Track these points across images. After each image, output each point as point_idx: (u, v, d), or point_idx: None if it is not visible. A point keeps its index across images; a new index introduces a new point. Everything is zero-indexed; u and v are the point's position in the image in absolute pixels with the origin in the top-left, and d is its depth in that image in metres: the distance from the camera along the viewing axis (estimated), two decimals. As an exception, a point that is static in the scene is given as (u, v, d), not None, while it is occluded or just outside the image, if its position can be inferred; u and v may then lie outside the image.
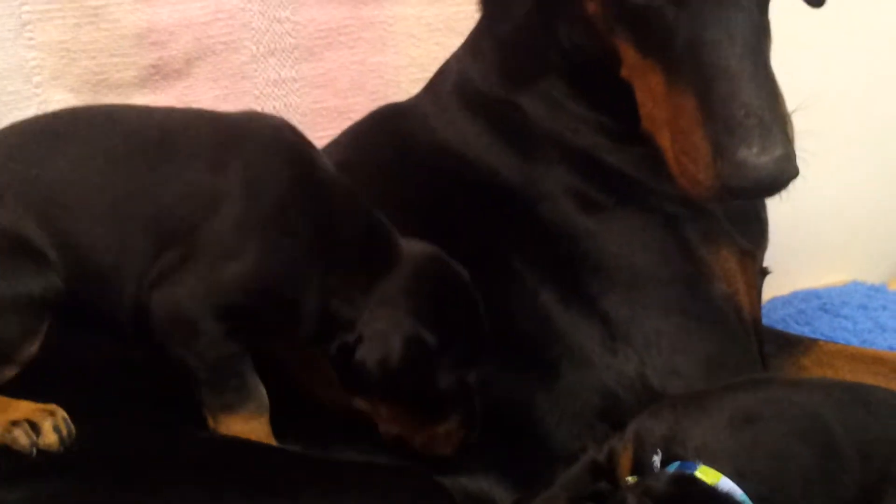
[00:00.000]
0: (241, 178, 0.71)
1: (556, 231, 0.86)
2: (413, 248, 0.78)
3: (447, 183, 0.90)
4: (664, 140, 0.78)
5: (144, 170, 0.71)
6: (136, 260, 0.70)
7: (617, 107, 0.86)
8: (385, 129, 0.96)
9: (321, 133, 1.08)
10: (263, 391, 0.72)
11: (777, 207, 0.99)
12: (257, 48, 1.06)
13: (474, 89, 0.93)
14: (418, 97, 0.97)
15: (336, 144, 0.96)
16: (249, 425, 0.72)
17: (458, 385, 0.77)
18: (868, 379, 0.96)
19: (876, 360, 0.98)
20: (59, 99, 0.96)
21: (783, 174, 0.73)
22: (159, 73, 1.01)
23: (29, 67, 0.95)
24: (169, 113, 0.79)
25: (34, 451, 0.65)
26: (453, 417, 0.78)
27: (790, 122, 0.76)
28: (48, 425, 0.66)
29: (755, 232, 0.94)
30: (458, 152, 0.91)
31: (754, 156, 0.72)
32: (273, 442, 0.73)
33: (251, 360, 0.73)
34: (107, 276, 0.70)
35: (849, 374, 0.97)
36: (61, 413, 0.67)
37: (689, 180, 0.76)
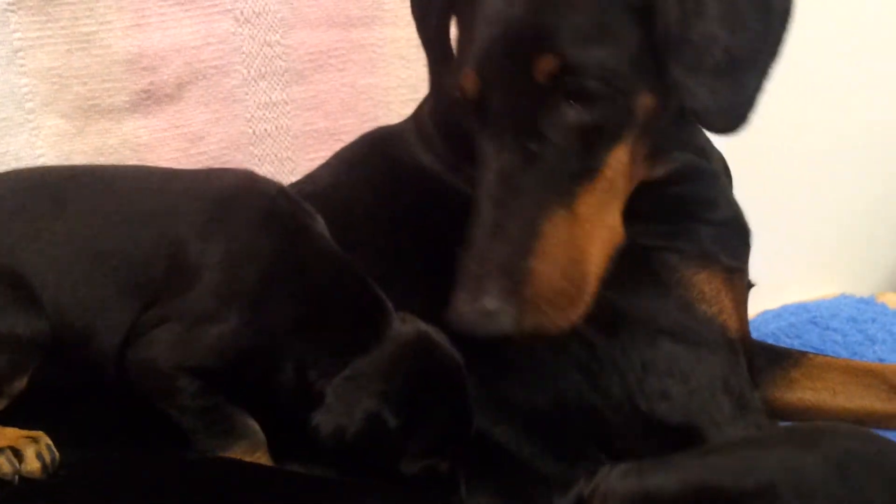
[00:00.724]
0: (224, 249, 0.73)
1: None
2: (404, 328, 0.77)
3: (432, 207, 0.90)
4: None
5: (137, 235, 0.74)
6: (121, 316, 0.73)
7: None
8: (375, 152, 0.96)
9: (312, 155, 1.09)
10: (255, 428, 0.73)
11: (766, 220, 1.00)
12: (248, 72, 1.06)
13: (449, 124, 0.93)
14: (407, 120, 0.98)
15: (327, 167, 0.96)
16: None
17: (427, 472, 0.75)
18: (859, 391, 0.96)
19: (866, 373, 0.98)
20: (50, 125, 0.96)
21: (487, 328, 0.71)
22: (151, 98, 1.01)
23: (21, 94, 0.96)
24: (168, 178, 0.82)
25: (16, 478, 0.65)
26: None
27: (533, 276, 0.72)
28: (31, 452, 0.67)
29: (740, 246, 0.94)
30: (439, 176, 0.90)
31: (462, 302, 0.72)
32: None
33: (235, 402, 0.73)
34: (92, 328, 0.73)
35: (839, 386, 0.98)
36: (45, 440, 0.68)
37: None
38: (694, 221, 0.90)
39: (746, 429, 0.83)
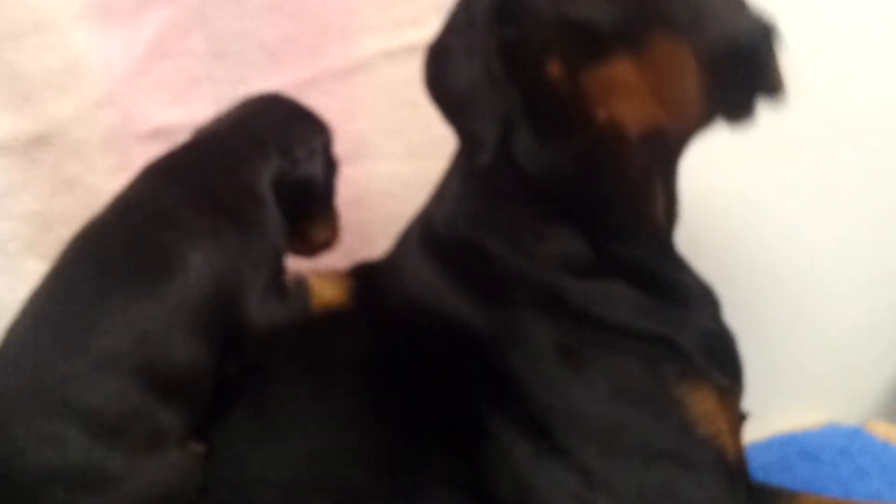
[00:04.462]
0: None
1: (527, 382, 0.85)
2: (258, 100, 0.95)
3: (420, 340, 0.89)
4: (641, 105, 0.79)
5: None
6: None
7: (582, 224, 0.88)
8: (361, 287, 0.96)
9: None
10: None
11: (751, 345, 0.99)
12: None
13: (438, 236, 0.93)
14: (391, 253, 0.98)
15: None
16: None
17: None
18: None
19: (857, 512, 0.97)
20: (32, 267, 0.95)
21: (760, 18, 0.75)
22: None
23: (4, 237, 0.96)
24: None
25: None
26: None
27: None
28: None
29: (731, 368, 0.93)
30: (427, 307, 0.90)
31: (727, 18, 0.74)
32: None
33: None
34: None
35: (832, 526, 0.96)
36: None
37: (678, 102, 0.76)
38: (680, 325, 0.89)
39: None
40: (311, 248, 0.97)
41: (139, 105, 0.99)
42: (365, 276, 0.97)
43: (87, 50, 0.96)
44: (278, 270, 0.87)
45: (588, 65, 0.81)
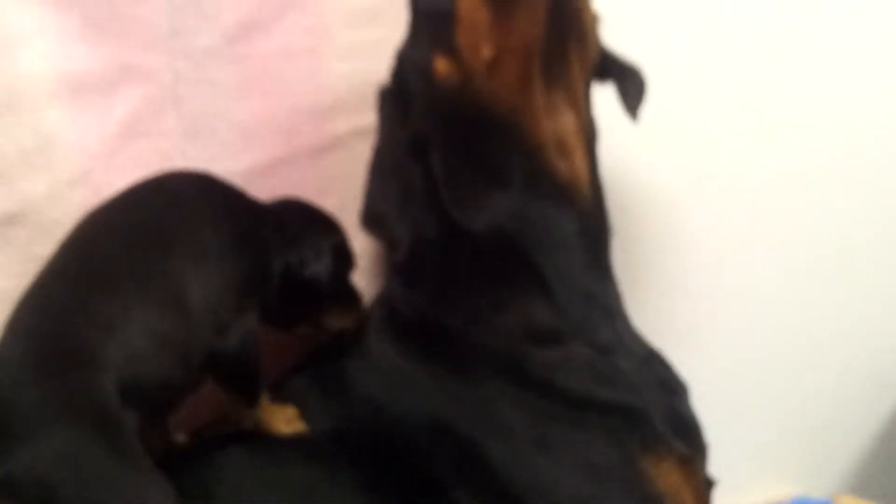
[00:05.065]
0: None
1: (494, 459, 0.85)
2: (280, 202, 0.99)
3: (384, 421, 0.89)
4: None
5: None
6: None
7: (537, 285, 0.89)
8: (326, 370, 0.96)
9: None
10: None
11: (720, 420, 1.00)
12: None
13: (399, 317, 0.95)
14: (350, 345, 0.98)
15: None
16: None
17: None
18: None
19: None
20: None
21: None
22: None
23: None
24: None
25: None
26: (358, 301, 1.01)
27: None
28: None
29: (690, 432, 0.93)
30: (391, 389, 0.91)
31: None
32: None
33: None
34: None
35: None
36: None
37: None
38: (637, 391, 0.89)
39: None
40: (327, 334, 0.99)
41: (112, 183, 0.98)
42: (332, 359, 0.98)
43: (59, 129, 0.96)
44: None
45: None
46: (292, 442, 0.88)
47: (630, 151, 1.15)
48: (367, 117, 1.08)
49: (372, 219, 1.02)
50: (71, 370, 0.70)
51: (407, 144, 0.96)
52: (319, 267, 0.93)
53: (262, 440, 0.88)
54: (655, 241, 1.23)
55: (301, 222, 0.97)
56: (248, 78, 1.05)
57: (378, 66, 1.08)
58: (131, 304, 0.75)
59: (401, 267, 0.97)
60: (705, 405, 0.98)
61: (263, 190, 1.00)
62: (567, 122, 0.91)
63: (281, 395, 0.92)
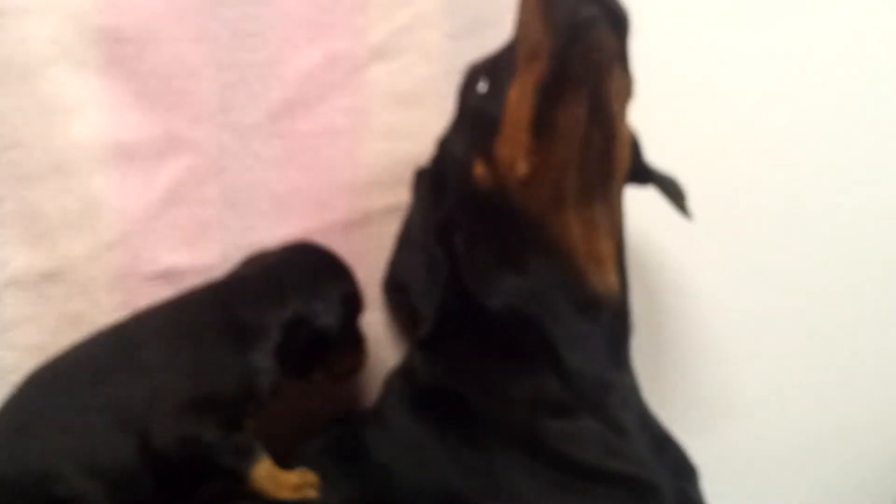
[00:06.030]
0: None
1: None
2: (294, 246, 1.03)
3: (398, 488, 0.91)
4: None
5: None
6: None
7: (549, 360, 0.91)
8: (344, 436, 0.98)
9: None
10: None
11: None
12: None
13: (417, 385, 0.97)
14: (376, 402, 1.00)
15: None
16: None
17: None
18: None
19: None
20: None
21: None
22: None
23: (6, 367, 0.98)
24: None
25: None
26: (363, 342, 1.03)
27: None
28: None
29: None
30: (406, 457, 0.93)
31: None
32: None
33: None
34: None
35: None
36: None
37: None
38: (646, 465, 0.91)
39: None
40: (335, 378, 1.02)
41: (149, 247, 1.03)
42: (350, 426, 1.00)
43: (104, 193, 1.00)
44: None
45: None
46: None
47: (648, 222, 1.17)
48: (400, 196, 1.12)
49: (395, 286, 1.06)
50: None
51: (437, 225, 1.00)
52: (329, 319, 0.95)
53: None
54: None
55: (312, 270, 0.99)
56: (288, 153, 1.09)
57: (414, 146, 1.12)
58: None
59: (422, 339, 0.99)
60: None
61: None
62: (600, 233, 0.94)
63: (293, 460, 0.94)
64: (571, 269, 0.92)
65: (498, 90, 0.91)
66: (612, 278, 0.95)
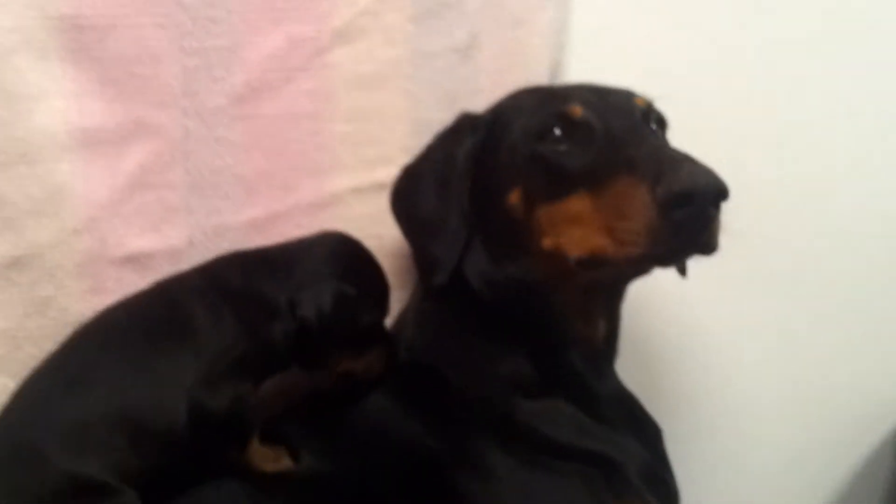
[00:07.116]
0: None
1: (476, 500, 0.88)
2: (324, 234, 1.02)
3: (374, 460, 0.93)
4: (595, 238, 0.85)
5: None
6: None
7: (528, 344, 0.94)
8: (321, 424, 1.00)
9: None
10: None
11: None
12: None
13: (398, 361, 0.99)
14: None
15: None
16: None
17: (376, 323, 0.99)
18: None
19: None
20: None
21: (718, 177, 0.80)
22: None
23: (-26, 358, 0.98)
24: None
25: None
26: (377, 346, 0.99)
27: None
28: None
29: (664, 489, 0.96)
30: (384, 429, 0.95)
31: (688, 170, 0.79)
32: None
33: None
34: None
35: None
36: None
37: (626, 233, 0.82)
38: (616, 445, 0.93)
39: None
40: (353, 376, 0.99)
41: (116, 232, 1.03)
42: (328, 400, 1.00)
43: (69, 179, 1.01)
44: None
45: (549, 200, 0.89)
46: (284, 480, 0.91)
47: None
48: (365, 177, 1.13)
49: (423, 225, 1.01)
50: None
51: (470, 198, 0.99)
52: (309, 311, 0.93)
53: (259, 478, 0.91)
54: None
55: (318, 263, 0.98)
56: (253, 136, 1.10)
57: (378, 128, 1.13)
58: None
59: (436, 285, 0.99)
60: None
61: (261, 242, 1.05)
62: (598, 307, 0.98)
63: (272, 434, 0.96)
64: (566, 324, 0.96)
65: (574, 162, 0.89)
66: (602, 332, 0.99)
